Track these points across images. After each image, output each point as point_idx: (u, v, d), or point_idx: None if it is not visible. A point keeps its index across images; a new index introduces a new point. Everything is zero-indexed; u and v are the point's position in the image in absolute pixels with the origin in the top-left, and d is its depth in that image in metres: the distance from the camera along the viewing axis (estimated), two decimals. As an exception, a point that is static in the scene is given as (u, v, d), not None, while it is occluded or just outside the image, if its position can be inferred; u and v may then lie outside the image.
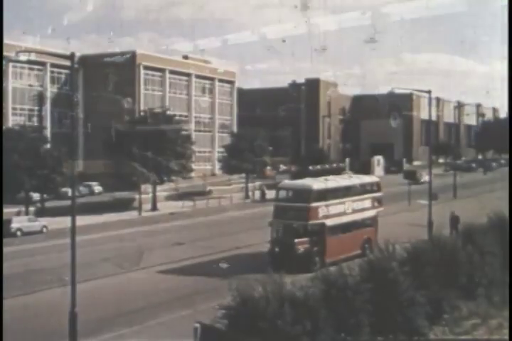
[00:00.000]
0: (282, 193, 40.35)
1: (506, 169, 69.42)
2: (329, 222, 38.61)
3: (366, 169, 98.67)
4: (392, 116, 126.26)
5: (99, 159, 74.09)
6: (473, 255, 28.14)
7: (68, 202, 34.55)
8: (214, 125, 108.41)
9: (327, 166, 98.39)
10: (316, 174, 73.59)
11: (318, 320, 20.14)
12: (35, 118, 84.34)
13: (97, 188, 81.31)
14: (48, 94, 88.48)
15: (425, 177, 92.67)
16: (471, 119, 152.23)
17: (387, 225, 43.36)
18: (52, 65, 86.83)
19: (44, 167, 60.63)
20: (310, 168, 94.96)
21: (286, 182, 44.95)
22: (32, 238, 53.26)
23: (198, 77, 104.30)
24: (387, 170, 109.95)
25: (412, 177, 66.40)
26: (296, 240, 37.25)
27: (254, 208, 67.11)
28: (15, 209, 61.22)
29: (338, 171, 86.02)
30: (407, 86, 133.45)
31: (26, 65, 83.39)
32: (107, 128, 71.60)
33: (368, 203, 42.69)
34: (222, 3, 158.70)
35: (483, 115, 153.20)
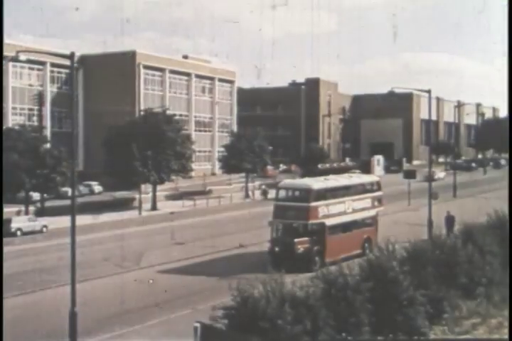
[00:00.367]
0: (282, 193, 40.33)
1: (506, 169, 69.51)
2: (329, 222, 38.61)
3: (366, 168, 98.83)
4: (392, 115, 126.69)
5: (99, 158, 74.09)
6: (473, 254, 28.17)
7: (68, 202, 34.56)
8: (214, 125, 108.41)
9: (335, 165, 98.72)
10: (325, 172, 73.80)
11: (318, 319, 20.15)
12: (35, 118, 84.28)
13: (97, 188, 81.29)
14: (48, 94, 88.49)
15: (439, 175, 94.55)
16: (471, 119, 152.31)
17: (391, 224, 43.45)
18: (52, 65, 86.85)
19: (44, 166, 60.59)
20: (319, 166, 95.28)
21: (286, 181, 44.91)
22: (32, 238, 53.27)
23: (197, 76, 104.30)
24: (387, 170, 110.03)
25: (412, 176, 66.27)
26: (296, 240, 37.25)
27: (254, 208, 67.08)
28: (15, 209, 61.23)
29: (346, 170, 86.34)
30: (407, 85, 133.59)
31: (26, 65, 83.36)
32: (107, 127, 71.63)
33: (368, 202, 42.69)
34: (222, 2, 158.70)
35: (483, 114, 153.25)
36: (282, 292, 20.18)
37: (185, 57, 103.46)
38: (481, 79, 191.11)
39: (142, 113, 75.39)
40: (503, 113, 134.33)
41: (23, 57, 27.10)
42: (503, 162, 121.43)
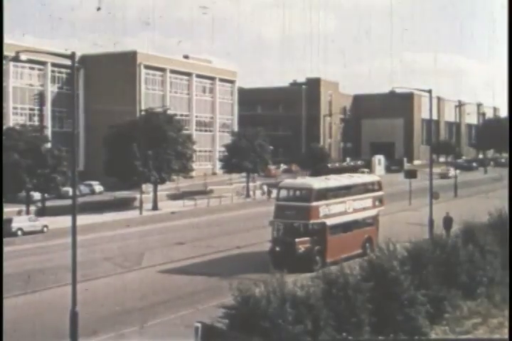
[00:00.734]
0: (283, 192, 40.32)
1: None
2: (330, 222, 38.59)
3: (367, 168, 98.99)
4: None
5: (100, 158, 74.12)
6: (473, 254, 28.18)
7: (69, 202, 34.62)
8: (215, 124, 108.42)
9: (345, 164, 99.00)
10: (335, 171, 74.21)
11: (319, 319, 20.15)
12: (35, 118, 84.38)
13: (98, 187, 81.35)
14: (49, 94, 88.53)
15: (452, 172, 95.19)
16: (471, 118, 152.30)
17: (391, 224, 43.42)
18: (53, 65, 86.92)
19: (45, 166, 60.61)
20: (329, 165, 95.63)
21: (287, 181, 44.89)
22: (33, 237, 53.28)
23: (198, 76, 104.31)
24: (388, 169, 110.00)
25: (412, 176, 66.25)
26: (297, 239, 37.22)
27: (255, 207, 67.10)
28: (16, 209, 61.22)
29: (355, 169, 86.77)
30: (408, 85, 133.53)
31: (27, 65, 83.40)
32: (108, 127, 71.65)
33: (368, 202, 42.67)
34: (222, 2, 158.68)
35: (483, 114, 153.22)
36: (283, 292, 20.18)
37: (186, 57, 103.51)
38: (482, 78, 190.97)
39: (143, 113, 75.39)
40: (504, 112, 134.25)
41: (23, 57, 27.06)
42: (503, 161, 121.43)
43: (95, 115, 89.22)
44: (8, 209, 56.32)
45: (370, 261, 24.03)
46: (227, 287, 21.05)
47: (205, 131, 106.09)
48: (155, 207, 70.28)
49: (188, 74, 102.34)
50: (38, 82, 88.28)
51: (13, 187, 57.05)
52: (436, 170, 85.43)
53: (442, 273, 25.98)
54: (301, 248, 37.13)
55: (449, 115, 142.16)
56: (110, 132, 70.87)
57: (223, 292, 24.28)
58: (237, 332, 19.36)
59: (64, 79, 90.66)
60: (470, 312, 25.88)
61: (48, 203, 65.03)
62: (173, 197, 77.73)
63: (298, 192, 40.13)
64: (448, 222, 43.63)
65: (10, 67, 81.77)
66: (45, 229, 56.39)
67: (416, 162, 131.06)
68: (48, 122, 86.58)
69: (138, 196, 69.44)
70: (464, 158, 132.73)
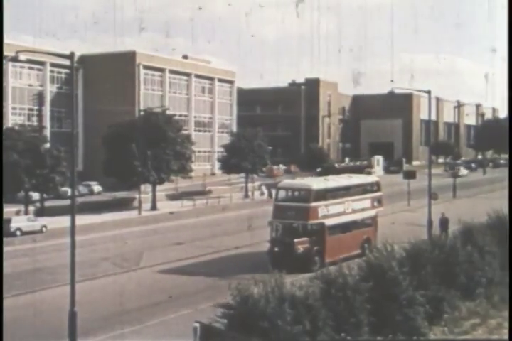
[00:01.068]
0: (282, 193, 40.33)
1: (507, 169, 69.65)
2: (329, 222, 38.61)
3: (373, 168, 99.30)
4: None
5: (98, 158, 74.09)
6: (472, 254, 28.18)
7: (68, 202, 34.58)
8: (214, 125, 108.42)
9: (351, 164, 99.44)
10: (342, 171, 74.77)
11: (317, 319, 20.16)
12: (34, 118, 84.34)
13: (97, 188, 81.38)
14: (48, 94, 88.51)
15: (463, 172, 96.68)
16: (470, 119, 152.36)
17: (390, 225, 43.50)
18: (52, 65, 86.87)
19: (44, 166, 60.58)
20: (336, 165, 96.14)
21: (286, 181, 44.92)
22: (31, 237, 53.23)
23: (197, 76, 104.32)
24: (387, 170, 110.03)
25: (411, 177, 66.25)
26: (295, 240, 37.24)
27: (253, 208, 67.09)
28: (14, 209, 61.19)
29: (362, 169, 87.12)
30: (407, 85, 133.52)
31: (26, 65, 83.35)
32: (107, 127, 71.64)
33: (367, 203, 42.68)
34: (222, 2, 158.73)
35: (482, 115, 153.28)
36: (282, 292, 20.18)
37: (185, 57, 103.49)
38: (481, 79, 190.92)
39: (142, 113, 75.38)
40: (503, 113, 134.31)
41: (22, 57, 27.03)
42: (502, 162, 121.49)
43: (94, 115, 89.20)
44: (7, 209, 56.26)
45: (369, 262, 24.03)
46: (226, 287, 21.05)
47: (204, 131, 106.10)
48: (154, 208, 70.27)
49: (187, 75, 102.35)
50: (37, 82, 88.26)
51: (12, 187, 57.00)
52: (435, 170, 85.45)
53: (441, 274, 25.98)
54: (300, 248, 37.15)
55: (448, 116, 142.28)
56: (109, 132, 70.85)
57: (222, 292, 24.26)
58: (235, 332, 19.37)
59: (63, 79, 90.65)
60: (469, 312, 25.89)
61: (47, 203, 65.01)
62: (172, 197, 77.73)
63: (297, 193, 40.16)
64: (444, 223, 43.60)
65: (9, 67, 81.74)
66: (43, 229, 56.36)
67: (415, 162, 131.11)
68: (47, 122, 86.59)
69: (137, 196, 69.41)
70: (462, 158, 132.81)
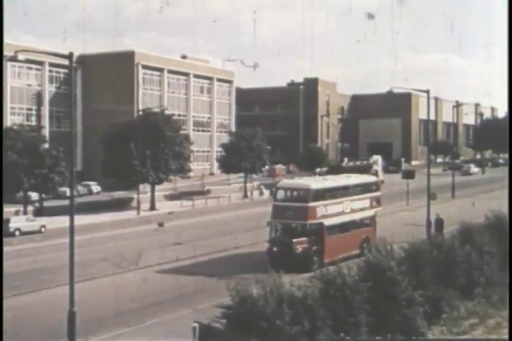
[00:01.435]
0: (281, 193, 40.32)
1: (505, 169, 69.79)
2: (327, 222, 38.59)
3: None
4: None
5: (97, 158, 74.07)
6: (471, 254, 28.18)
7: (67, 202, 34.55)
8: (212, 124, 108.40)
9: (358, 163, 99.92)
10: (349, 170, 75.16)
11: (316, 319, 20.15)
12: (33, 118, 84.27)
13: (96, 188, 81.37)
14: (47, 94, 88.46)
15: (473, 170, 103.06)
16: (469, 119, 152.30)
17: (389, 224, 43.50)
18: (51, 65, 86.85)
19: (42, 166, 60.56)
20: (343, 164, 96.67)
21: (285, 181, 44.94)
22: (30, 238, 53.23)
23: (196, 76, 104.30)
24: (386, 170, 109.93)
25: (410, 176, 66.23)
26: (294, 240, 37.23)
27: (252, 208, 67.11)
28: (13, 209, 61.15)
29: (368, 168, 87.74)
30: (405, 85, 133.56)
31: (25, 65, 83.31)
32: (106, 127, 71.62)
33: (366, 203, 42.68)
34: (221, 3, 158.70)
35: (481, 114, 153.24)
36: (280, 292, 20.18)
37: (184, 57, 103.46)
38: (480, 79, 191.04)
39: (141, 113, 75.37)
40: (502, 113, 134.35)
41: (21, 56, 27.03)
42: (501, 162, 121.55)
43: (93, 115, 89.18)
44: (6, 210, 56.20)
45: (368, 262, 24.03)
46: (225, 287, 21.04)
47: (203, 131, 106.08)
48: (152, 208, 70.26)
49: (186, 74, 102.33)
50: (35, 81, 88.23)
51: (11, 187, 56.95)
52: (434, 170, 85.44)
53: (440, 274, 25.98)
54: (299, 248, 37.14)
55: (447, 115, 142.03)
56: (108, 132, 70.82)
57: (221, 292, 24.26)
58: (234, 333, 19.36)
59: (62, 79, 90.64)
60: (467, 312, 25.88)
61: (46, 203, 64.99)
62: (171, 197, 77.71)
63: (295, 193, 40.14)
64: (439, 223, 43.58)
65: (8, 67, 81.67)
66: (42, 229, 56.35)
67: (414, 162, 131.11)
68: (46, 122, 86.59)
69: (135, 196, 69.38)
70: (461, 158, 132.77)
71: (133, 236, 51.23)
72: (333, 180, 43.19)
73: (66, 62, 27.13)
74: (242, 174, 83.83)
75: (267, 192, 76.85)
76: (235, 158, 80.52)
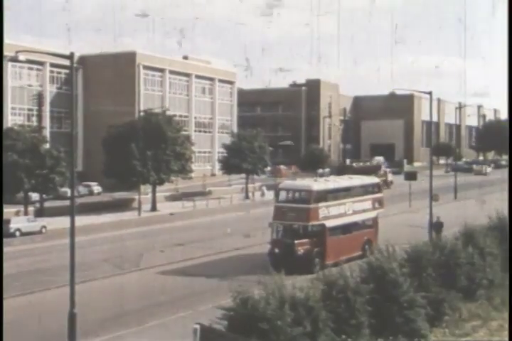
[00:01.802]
0: (282, 194, 40.24)
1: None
2: (329, 223, 38.51)
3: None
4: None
5: (98, 159, 73.98)
6: (473, 256, 28.08)
7: (67, 202, 34.44)
8: (214, 125, 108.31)
9: (368, 163, 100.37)
10: (359, 171, 75.49)
11: (318, 321, 20.05)
12: (34, 118, 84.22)
13: (97, 188, 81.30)
14: (48, 94, 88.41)
15: (487, 169, 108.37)
16: (472, 120, 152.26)
17: (391, 226, 43.47)
18: (52, 65, 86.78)
19: (43, 167, 60.42)
20: (354, 164, 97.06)
21: (287, 182, 44.80)
22: (31, 238, 53.14)
23: (198, 77, 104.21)
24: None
25: (413, 178, 66.20)
26: (296, 241, 37.14)
27: (254, 209, 67.03)
28: (14, 210, 61.05)
29: (378, 168, 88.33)
30: (408, 87, 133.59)
31: (25, 65, 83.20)
32: (107, 128, 71.53)
33: (368, 204, 42.58)
34: (222, 3, 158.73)
35: (484, 116, 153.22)
36: (282, 293, 20.07)
37: (186, 57, 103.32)
38: (482, 80, 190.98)
39: (142, 113, 75.30)
40: (504, 115, 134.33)
41: (22, 57, 26.94)
42: (503, 163, 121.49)
43: (94, 116, 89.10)
44: (7, 210, 56.13)
45: (370, 263, 23.94)
46: (226, 288, 20.95)
47: (205, 131, 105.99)
48: (153, 208, 70.16)
49: (188, 75, 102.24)
50: (36, 82, 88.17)
51: (12, 187, 56.83)
52: (437, 172, 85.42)
53: (442, 276, 25.91)
54: (301, 249, 37.04)
55: (449, 117, 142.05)
56: (109, 133, 70.76)
57: (222, 293, 24.17)
58: (235, 334, 19.26)
59: (63, 80, 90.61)
60: (470, 314, 25.82)
61: (47, 204, 64.92)
62: (172, 198, 77.60)
63: (297, 194, 40.05)
64: (438, 226, 43.43)
65: (8, 67, 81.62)
66: (43, 229, 56.25)
67: (416, 164, 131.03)
68: (47, 122, 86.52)
69: (136, 197, 69.27)
70: (464, 159, 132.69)
71: (134, 237, 51.11)
72: (335, 181, 43.09)
73: (67, 62, 27.02)
74: (243, 175, 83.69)
75: (268, 193, 76.64)
76: (237, 159, 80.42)
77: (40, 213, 62.71)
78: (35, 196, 65.90)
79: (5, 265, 34.36)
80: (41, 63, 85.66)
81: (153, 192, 71.26)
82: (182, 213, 67.64)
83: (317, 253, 37.50)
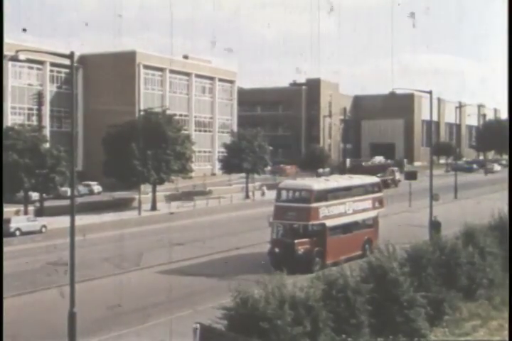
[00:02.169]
0: (283, 193, 40.20)
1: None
2: (330, 223, 38.49)
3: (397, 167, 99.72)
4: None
5: (98, 158, 73.95)
6: (473, 256, 28.08)
7: (67, 202, 34.44)
8: (214, 125, 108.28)
9: (377, 163, 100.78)
10: (368, 170, 75.77)
11: (318, 320, 20.05)
12: (34, 118, 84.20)
13: (97, 188, 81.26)
14: (48, 93, 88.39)
15: (496, 168, 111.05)
16: (472, 120, 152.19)
17: (391, 226, 43.43)
18: (52, 64, 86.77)
19: (43, 166, 60.42)
20: (363, 164, 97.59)
21: (287, 182, 44.77)
22: (31, 238, 53.11)
23: (198, 76, 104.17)
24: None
25: (413, 177, 66.21)
26: (296, 241, 37.12)
27: (254, 208, 66.97)
28: (14, 209, 61.03)
29: (386, 167, 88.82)
30: (408, 86, 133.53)
31: (26, 64, 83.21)
32: (107, 127, 71.49)
33: (368, 204, 42.55)
34: (221, 3, 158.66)
35: (484, 115, 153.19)
36: (282, 293, 20.07)
37: (186, 57, 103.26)
38: (482, 80, 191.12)
39: (142, 113, 75.26)
40: (505, 114, 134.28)
41: (22, 56, 26.92)
42: (503, 163, 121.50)
43: (94, 115, 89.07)
44: (7, 209, 56.08)
45: (370, 263, 23.93)
46: (226, 288, 20.94)
47: (205, 131, 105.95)
48: (154, 208, 70.13)
49: (188, 74, 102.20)
50: (36, 81, 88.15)
51: (12, 187, 56.84)
52: (437, 171, 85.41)
53: (442, 275, 25.90)
54: (301, 249, 37.03)
55: (450, 116, 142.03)
56: (109, 132, 70.73)
57: (222, 293, 24.14)
58: (235, 334, 19.25)
59: (63, 79, 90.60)
60: (470, 314, 25.81)
61: (47, 203, 64.88)
62: (172, 197, 77.53)
63: (298, 193, 40.03)
64: (436, 226, 43.40)
65: (9, 67, 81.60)
66: (43, 229, 56.24)
67: (416, 163, 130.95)
68: (47, 122, 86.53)
69: (136, 196, 69.26)
70: (464, 159, 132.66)
71: (134, 237, 51.06)
72: (336, 180, 43.07)
73: (67, 61, 27.02)
74: (243, 174, 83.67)
75: (268, 193, 76.58)
76: (237, 159, 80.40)
77: (40, 212, 62.69)
78: (35, 195, 65.90)
79: (4, 264, 34.42)
80: (41, 62, 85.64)
81: (154, 191, 71.22)
82: (182, 212, 67.57)
83: (317, 252, 37.48)
